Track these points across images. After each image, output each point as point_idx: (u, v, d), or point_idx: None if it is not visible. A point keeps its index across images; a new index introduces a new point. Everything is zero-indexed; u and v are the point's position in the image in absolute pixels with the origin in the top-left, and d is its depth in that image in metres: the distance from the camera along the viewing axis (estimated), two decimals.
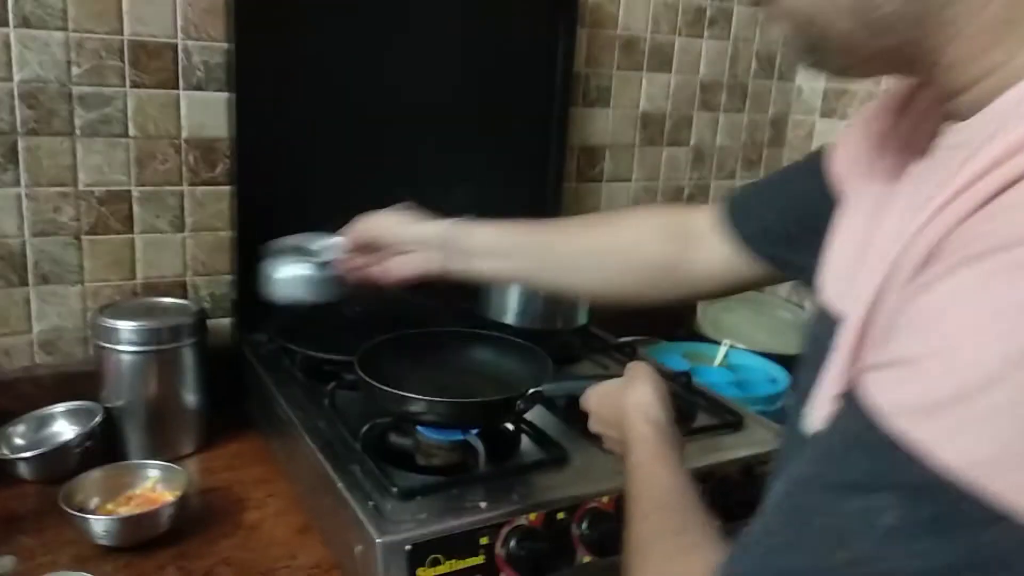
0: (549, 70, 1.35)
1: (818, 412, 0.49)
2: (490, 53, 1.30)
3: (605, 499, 0.86)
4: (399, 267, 0.86)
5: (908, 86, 0.59)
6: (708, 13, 1.52)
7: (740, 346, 1.42)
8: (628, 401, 0.73)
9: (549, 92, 1.36)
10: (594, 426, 0.79)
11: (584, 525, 0.84)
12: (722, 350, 1.39)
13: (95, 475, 0.93)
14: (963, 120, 0.47)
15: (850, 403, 0.41)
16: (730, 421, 1.03)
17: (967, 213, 0.39)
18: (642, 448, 0.68)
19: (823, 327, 0.57)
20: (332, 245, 0.89)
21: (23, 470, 0.97)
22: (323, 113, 1.20)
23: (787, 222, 0.72)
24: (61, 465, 0.97)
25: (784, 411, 0.64)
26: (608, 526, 0.84)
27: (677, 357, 1.36)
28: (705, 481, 0.91)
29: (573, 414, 0.99)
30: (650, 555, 0.56)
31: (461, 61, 1.28)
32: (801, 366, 0.61)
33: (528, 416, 0.96)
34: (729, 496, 0.90)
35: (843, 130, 0.68)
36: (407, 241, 0.85)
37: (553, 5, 1.33)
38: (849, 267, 0.57)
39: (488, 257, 0.83)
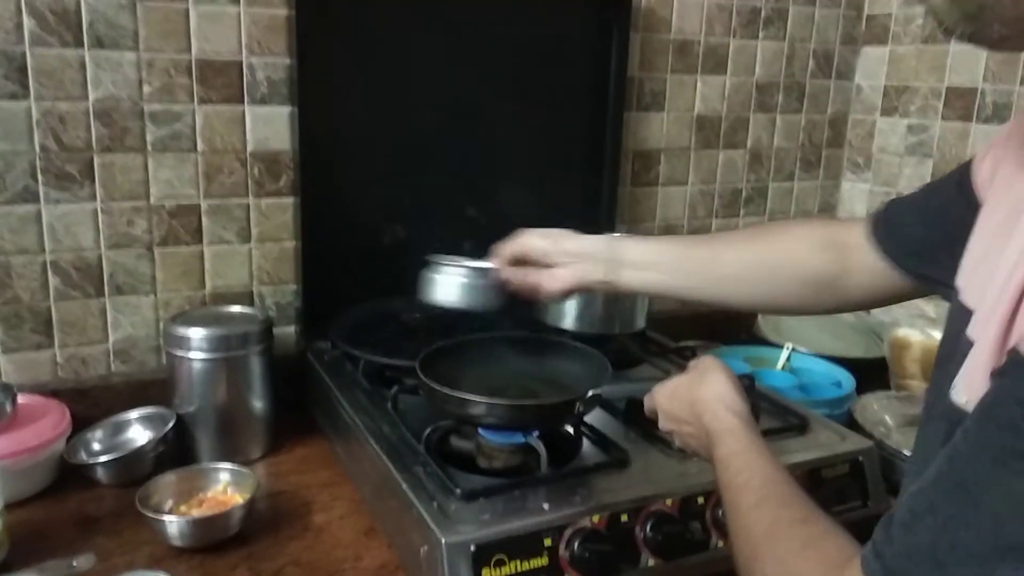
0: (603, 75, 1.36)
1: (970, 389, 0.49)
2: (544, 60, 1.31)
3: (668, 501, 0.85)
4: (561, 278, 0.86)
5: None
6: (763, 14, 1.50)
7: (802, 349, 1.40)
8: (705, 394, 0.73)
9: (603, 97, 1.36)
10: (665, 424, 0.79)
11: (648, 528, 0.83)
12: (784, 353, 1.37)
13: (169, 478, 0.96)
14: None
15: (1015, 370, 0.41)
16: (794, 424, 1.02)
17: None
18: (733, 439, 0.68)
19: (959, 323, 0.57)
20: (491, 261, 0.91)
21: (100, 474, 1.01)
22: (381, 124, 1.22)
23: (933, 237, 0.72)
24: (136, 469, 1.00)
25: (924, 411, 0.65)
26: (672, 528, 0.84)
27: (738, 361, 1.34)
28: None
29: (633, 417, 1.00)
30: (778, 545, 0.56)
31: (515, 69, 1.29)
32: (938, 366, 0.62)
33: (588, 419, 0.96)
34: None
35: (992, 138, 0.68)
36: (569, 253, 0.86)
37: (606, 11, 1.34)
38: (986, 263, 0.56)
39: (649, 269, 0.84)
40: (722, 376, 0.74)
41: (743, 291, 0.84)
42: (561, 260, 0.86)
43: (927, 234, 0.73)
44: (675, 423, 0.77)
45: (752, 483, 0.63)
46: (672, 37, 1.43)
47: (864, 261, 0.79)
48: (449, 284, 0.90)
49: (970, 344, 0.53)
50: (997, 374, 0.44)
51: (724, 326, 1.47)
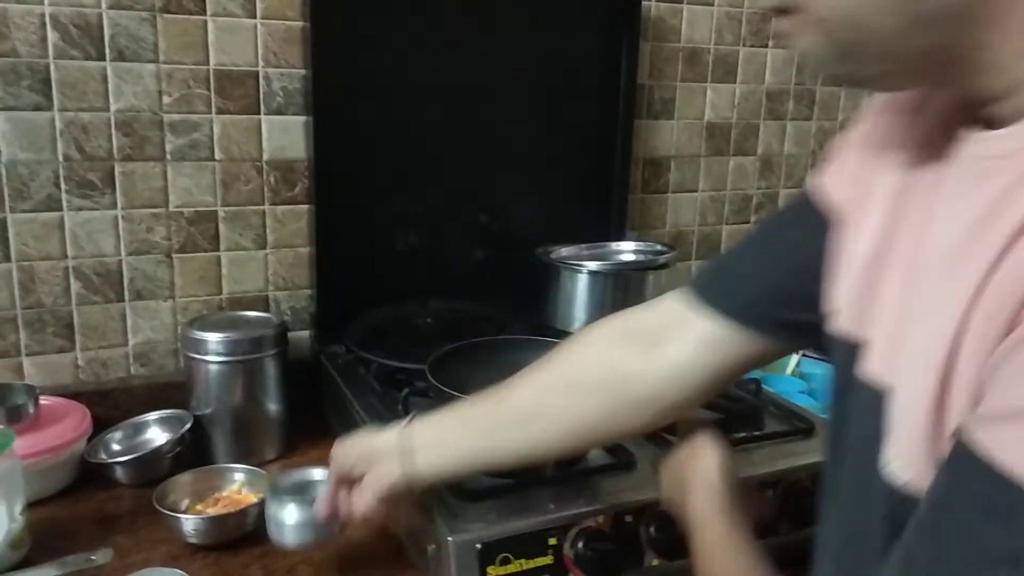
0: (613, 83, 1.37)
1: (909, 468, 0.45)
2: (554, 68, 1.33)
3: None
4: (363, 494, 0.76)
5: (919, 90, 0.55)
6: (772, 22, 1.51)
7: (813, 355, 1.40)
8: (692, 473, 0.71)
9: (613, 105, 1.38)
10: (664, 492, 0.78)
11: (652, 528, 0.84)
12: (794, 358, 1.38)
13: (185, 478, 0.98)
14: (998, 126, 0.45)
15: (964, 463, 0.38)
16: (800, 428, 1.03)
17: None
18: (705, 533, 0.66)
19: (847, 356, 0.55)
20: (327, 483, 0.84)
21: (119, 474, 1.03)
22: (394, 132, 1.24)
23: (782, 278, 0.66)
24: (154, 469, 1.02)
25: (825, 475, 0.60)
26: (677, 530, 0.85)
27: None
28: (775, 486, 0.91)
29: None
30: None
31: (526, 77, 1.31)
32: (836, 403, 0.58)
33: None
34: (800, 502, 0.90)
35: (834, 151, 0.64)
36: (366, 458, 0.77)
37: (616, 19, 1.36)
38: (874, 289, 0.54)
39: (440, 446, 0.75)
40: (710, 458, 0.70)
41: (548, 426, 0.74)
42: (364, 468, 0.77)
43: (776, 275, 0.67)
44: (670, 492, 0.76)
45: None
46: (682, 45, 1.44)
47: (684, 337, 0.70)
48: (294, 527, 0.84)
49: (879, 394, 0.50)
50: (944, 467, 0.41)
51: None
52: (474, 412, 0.77)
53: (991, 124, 0.46)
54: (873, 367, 0.52)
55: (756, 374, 1.27)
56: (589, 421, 0.74)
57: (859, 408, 0.53)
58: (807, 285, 0.62)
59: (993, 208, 0.41)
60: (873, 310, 0.53)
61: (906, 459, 0.45)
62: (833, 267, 0.59)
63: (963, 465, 0.38)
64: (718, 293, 0.69)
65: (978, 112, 0.47)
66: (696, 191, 1.54)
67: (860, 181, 0.58)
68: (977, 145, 0.46)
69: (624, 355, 0.73)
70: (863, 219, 0.56)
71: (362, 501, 0.77)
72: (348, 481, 0.79)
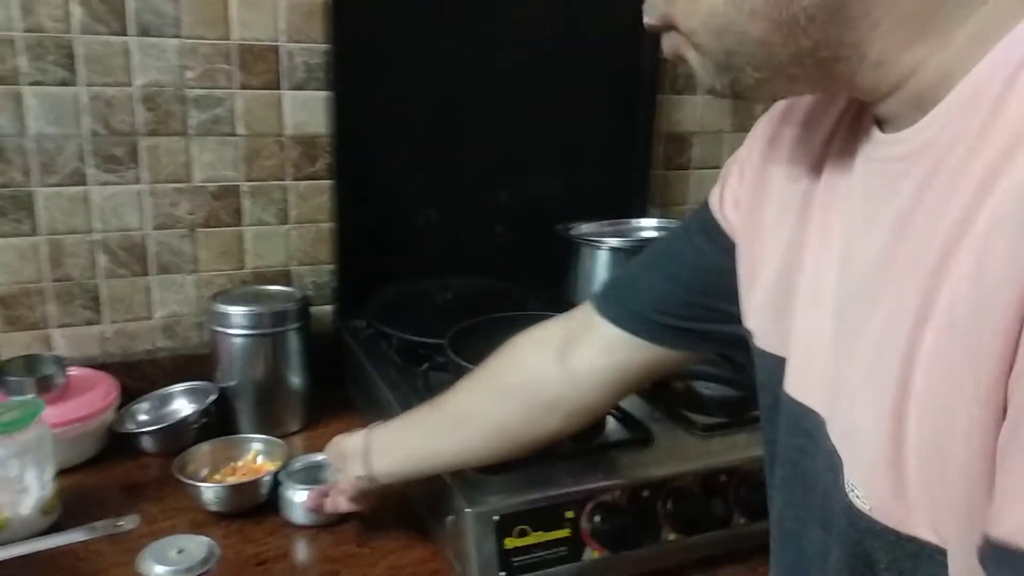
0: (636, 58, 1.36)
1: (873, 496, 0.43)
2: (578, 43, 1.32)
3: (690, 479, 0.87)
4: (337, 496, 0.86)
5: (808, 98, 0.54)
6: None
7: None
8: None
9: (636, 80, 1.37)
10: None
11: (669, 504, 0.85)
12: None
13: (205, 448, 1.00)
14: (894, 127, 0.44)
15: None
16: None
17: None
18: None
19: (772, 373, 0.54)
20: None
21: (146, 443, 1.06)
22: (415, 107, 1.24)
23: (677, 292, 0.68)
24: (179, 439, 1.04)
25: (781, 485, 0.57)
26: (694, 505, 0.85)
27: None
28: None
29: (658, 396, 1.01)
30: None
31: (549, 52, 1.30)
32: (768, 421, 0.57)
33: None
34: None
35: (729, 167, 0.64)
36: (338, 458, 0.86)
37: None
38: (783, 305, 0.53)
39: (394, 448, 0.82)
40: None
41: (475, 429, 0.79)
42: (339, 466, 0.86)
43: (676, 287, 0.68)
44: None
45: None
46: None
47: (592, 345, 0.73)
48: (302, 507, 0.91)
49: (813, 416, 0.48)
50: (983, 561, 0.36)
51: None
52: (421, 416, 0.82)
53: (886, 123, 0.45)
54: (799, 386, 0.52)
55: None
56: (508, 423, 0.78)
57: (790, 424, 0.53)
58: (704, 298, 0.65)
59: (908, 210, 0.41)
60: (789, 327, 0.53)
61: (866, 489, 0.44)
62: (743, 286, 0.59)
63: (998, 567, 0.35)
64: (615, 305, 0.72)
65: (872, 112, 0.46)
66: (719, 167, 1.51)
67: (760, 196, 0.58)
68: (878, 150, 0.45)
69: (539, 361, 0.77)
70: (768, 235, 0.56)
71: (340, 504, 0.86)
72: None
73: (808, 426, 0.49)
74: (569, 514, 0.80)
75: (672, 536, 0.84)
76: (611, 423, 0.98)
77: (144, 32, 1.09)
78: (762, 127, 0.60)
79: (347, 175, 1.22)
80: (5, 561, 0.80)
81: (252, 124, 1.18)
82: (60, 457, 0.93)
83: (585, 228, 1.28)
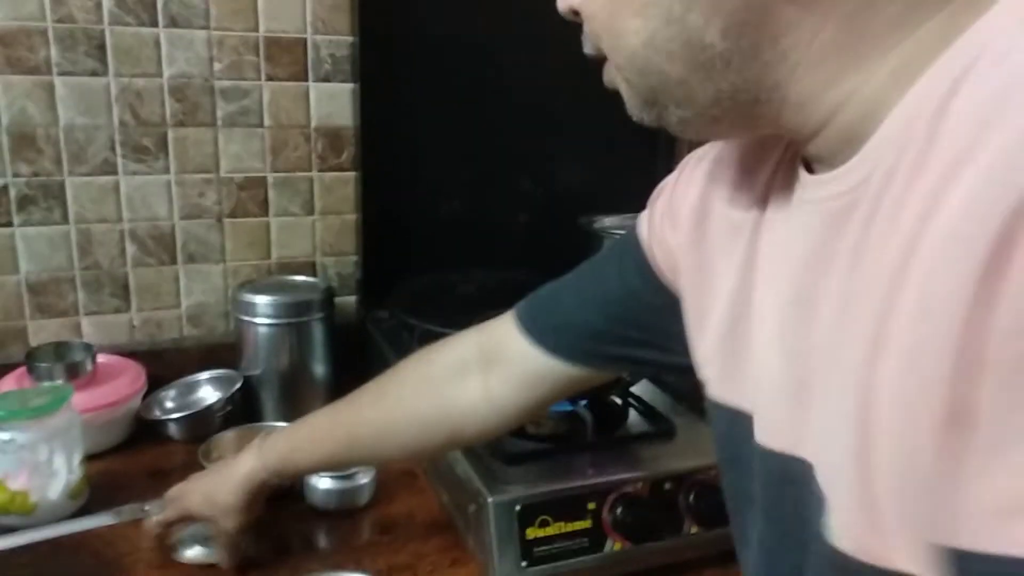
0: None
1: (854, 537, 0.42)
2: None
3: (712, 472, 0.86)
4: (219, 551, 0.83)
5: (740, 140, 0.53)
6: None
7: None
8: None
9: None
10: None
11: (691, 497, 0.85)
12: None
13: (229, 435, 1.02)
14: (828, 165, 0.43)
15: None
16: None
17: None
18: None
19: (735, 427, 0.52)
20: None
21: (172, 430, 1.07)
22: (441, 100, 1.25)
23: (598, 317, 0.67)
24: (205, 426, 1.06)
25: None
26: (716, 498, 0.85)
27: None
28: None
29: (681, 389, 1.01)
30: None
31: (573, 43, 1.29)
32: (731, 470, 0.56)
33: (636, 390, 0.98)
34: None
35: (655, 200, 0.63)
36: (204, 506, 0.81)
37: None
38: (736, 352, 0.52)
39: (297, 449, 0.80)
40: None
41: (393, 447, 0.78)
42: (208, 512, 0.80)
43: (589, 315, 0.67)
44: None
45: None
46: None
47: (516, 359, 0.71)
48: (325, 490, 0.92)
49: (787, 461, 0.47)
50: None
51: None
52: (324, 426, 0.81)
53: (818, 161, 0.44)
54: (776, 436, 0.49)
55: None
56: (421, 448, 0.79)
57: (771, 473, 0.50)
58: (622, 327, 0.65)
59: (855, 248, 0.40)
60: (746, 376, 0.51)
61: (845, 530, 0.42)
62: (692, 335, 0.58)
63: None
64: (536, 323, 0.71)
65: (802, 153, 0.45)
66: None
67: (702, 242, 0.56)
68: (809, 191, 0.45)
69: (460, 391, 0.74)
70: (713, 282, 0.55)
71: (228, 523, 0.80)
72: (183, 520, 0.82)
73: (796, 473, 0.47)
74: (591, 505, 0.81)
75: (694, 529, 0.84)
76: (633, 416, 0.98)
77: (173, 24, 1.10)
78: (703, 167, 0.58)
79: (371, 167, 1.23)
80: (34, 544, 0.81)
81: (278, 116, 1.18)
82: (88, 442, 0.95)
83: (608, 221, 1.28)
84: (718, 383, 0.55)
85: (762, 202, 0.51)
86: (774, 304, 0.48)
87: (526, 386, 0.72)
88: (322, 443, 0.79)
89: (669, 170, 1.50)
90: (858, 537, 0.41)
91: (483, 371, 0.74)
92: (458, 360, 0.76)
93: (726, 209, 0.54)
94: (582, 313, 0.68)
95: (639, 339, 0.65)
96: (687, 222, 0.57)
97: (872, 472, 0.39)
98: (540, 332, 0.70)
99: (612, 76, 0.48)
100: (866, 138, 0.40)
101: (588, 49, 0.49)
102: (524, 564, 0.77)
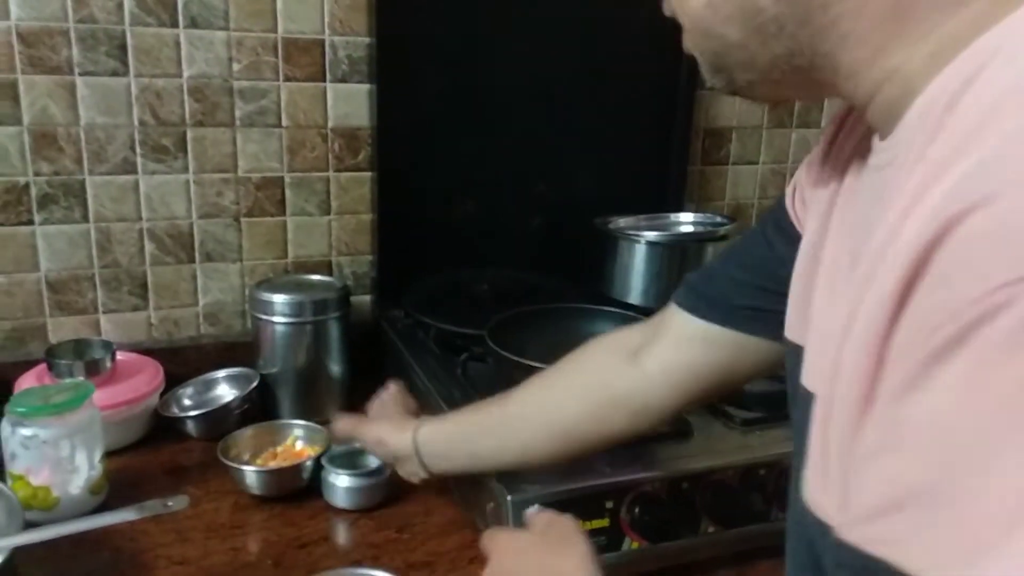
0: (675, 52, 1.35)
1: (825, 505, 0.43)
2: (616, 36, 1.32)
3: (730, 472, 0.87)
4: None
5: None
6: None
7: None
8: (566, 568, 0.62)
9: (675, 74, 1.37)
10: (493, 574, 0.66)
11: (709, 496, 0.85)
12: None
13: (247, 432, 1.02)
14: (880, 136, 0.44)
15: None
16: None
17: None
18: None
19: (793, 365, 0.55)
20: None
21: (190, 428, 1.08)
22: (455, 101, 1.25)
23: (757, 276, 0.68)
24: (222, 424, 1.06)
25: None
26: (733, 498, 0.85)
27: None
28: None
29: None
30: None
31: (588, 45, 1.30)
32: (795, 409, 0.57)
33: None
34: None
35: (807, 158, 0.65)
36: (387, 454, 0.87)
37: None
38: (805, 298, 0.55)
39: (445, 454, 0.82)
40: (586, 550, 0.62)
41: (556, 430, 0.77)
42: (383, 457, 0.89)
43: (749, 276, 0.68)
44: None
45: None
46: None
47: (674, 337, 0.72)
48: (346, 489, 0.93)
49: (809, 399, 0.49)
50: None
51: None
52: (479, 417, 0.82)
53: (876, 130, 0.46)
54: (809, 376, 0.52)
55: None
56: (572, 422, 0.77)
57: (801, 416, 0.53)
58: (760, 278, 0.67)
59: (869, 216, 0.42)
60: (808, 317, 0.54)
61: (807, 481, 0.45)
62: (791, 283, 0.60)
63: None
64: (692, 295, 0.72)
65: (866, 120, 0.47)
66: (757, 163, 1.52)
67: (808, 194, 0.60)
68: (873, 156, 0.47)
69: (607, 358, 0.77)
70: (804, 232, 0.58)
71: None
72: None
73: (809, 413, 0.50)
74: (609, 504, 0.81)
75: (711, 528, 0.85)
76: None
77: (193, 24, 1.11)
78: (828, 127, 0.61)
79: (387, 167, 1.23)
80: (57, 539, 0.82)
81: (296, 116, 1.19)
82: (107, 439, 0.95)
83: (622, 222, 1.28)
84: (790, 322, 0.58)
85: (848, 161, 0.54)
86: (839, 256, 0.51)
87: (678, 362, 0.72)
88: (466, 446, 0.82)
89: (682, 171, 1.51)
90: (821, 491, 0.44)
91: (638, 349, 0.75)
92: (614, 339, 0.79)
93: (824, 163, 0.57)
94: (725, 269, 0.71)
95: (774, 291, 0.65)
96: (809, 176, 0.60)
97: (828, 437, 0.41)
98: (694, 300, 0.72)
99: (687, 42, 0.50)
100: (902, 116, 0.41)
101: (666, 10, 0.51)
102: None
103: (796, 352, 0.56)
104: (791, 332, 0.58)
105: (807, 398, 0.50)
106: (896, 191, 0.37)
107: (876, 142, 0.46)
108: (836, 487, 0.40)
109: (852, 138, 0.55)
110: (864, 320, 0.36)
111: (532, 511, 0.73)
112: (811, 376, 0.52)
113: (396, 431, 0.85)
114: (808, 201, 0.60)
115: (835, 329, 0.41)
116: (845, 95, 0.45)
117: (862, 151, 0.51)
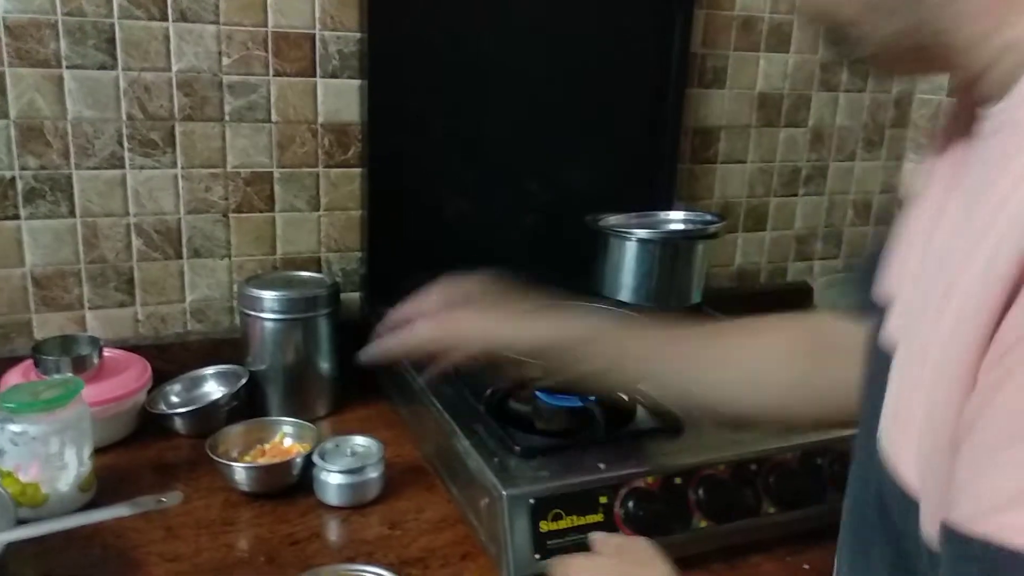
0: (665, 51, 1.36)
1: (900, 457, 0.44)
2: (607, 35, 1.32)
3: (721, 467, 0.87)
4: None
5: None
6: None
7: None
8: None
9: (665, 73, 1.37)
10: None
11: (700, 491, 0.86)
12: None
13: (236, 429, 1.01)
14: (988, 107, 0.45)
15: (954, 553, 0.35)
16: None
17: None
18: None
19: (877, 322, 0.55)
20: (373, 450, 0.96)
21: (178, 425, 1.07)
22: (446, 98, 1.25)
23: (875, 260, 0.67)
24: (211, 421, 1.05)
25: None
26: (724, 493, 0.86)
27: None
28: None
29: None
30: None
31: (578, 44, 1.30)
32: (867, 365, 0.57)
33: (643, 386, 0.99)
34: None
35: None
36: (520, 352, 0.79)
37: None
38: (904, 262, 0.55)
39: (651, 360, 0.78)
40: (669, 571, 0.62)
41: (747, 377, 0.76)
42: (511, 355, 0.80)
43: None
44: None
45: None
46: (736, 13, 1.43)
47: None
48: (337, 486, 0.92)
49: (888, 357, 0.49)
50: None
51: (780, 303, 1.47)
52: (687, 340, 0.78)
53: (986, 102, 0.47)
54: (887, 332, 0.53)
55: None
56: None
57: (873, 374, 0.54)
58: None
59: (975, 191, 0.43)
60: (901, 277, 0.55)
61: (884, 432, 0.46)
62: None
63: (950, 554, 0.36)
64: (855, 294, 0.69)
65: (979, 92, 0.48)
66: (745, 162, 1.53)
67: (933, 169, 0.59)
68: (980, 126, 0.47)
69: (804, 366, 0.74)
70: (922, 203, 0.58)
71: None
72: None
73: (884, 371, 0.50)
74: (603, 499, 0.81)
75: (703, 523, 0.85)
76: (641, 412, 0.99)
77: (183, 18, 1.10)
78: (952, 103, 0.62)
79: (378, 164, 1.23)
80: (46, 536, 0.81)
81: (286, 111, 1.19)
82: (95, 436, 0.94)
83: (613, 219, 1.29)
84: (884, 283, 0.58)
85: (969, 134, 0.54)
86: (954, 224, 0.50)
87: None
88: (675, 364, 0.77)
89: (673, 168, 1.52)
90: (899, 448, 0.45)
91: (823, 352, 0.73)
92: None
93: (949, 140, 0.57)
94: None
95: None
96: (931, 152, 0.60)
97: (908, 405, 0.42)
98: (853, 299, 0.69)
99: (805, 10, 0.52)
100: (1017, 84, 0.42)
101: None
102: (537, 557, 0.78)
103: (880, 309, 0.56)
104: (884, 289, 0.57)
105: (881, 356, 0.51)
106: (1009, 155, 0.39)
107: (987, 110, 0.47)
108: (912, 448, 0.41)
109: (969, 111, 0.55)
110: (972, 306, 0.37)
111: (597, 535, 0.69)
112: (895, 329, 0.51)
113: (529, 324, 0.80)
114: (932, 172, 0.60)
115: (937, 290, 0.42)
116: (960, 67, 0.46)
117: (974, 121, 0.51)
